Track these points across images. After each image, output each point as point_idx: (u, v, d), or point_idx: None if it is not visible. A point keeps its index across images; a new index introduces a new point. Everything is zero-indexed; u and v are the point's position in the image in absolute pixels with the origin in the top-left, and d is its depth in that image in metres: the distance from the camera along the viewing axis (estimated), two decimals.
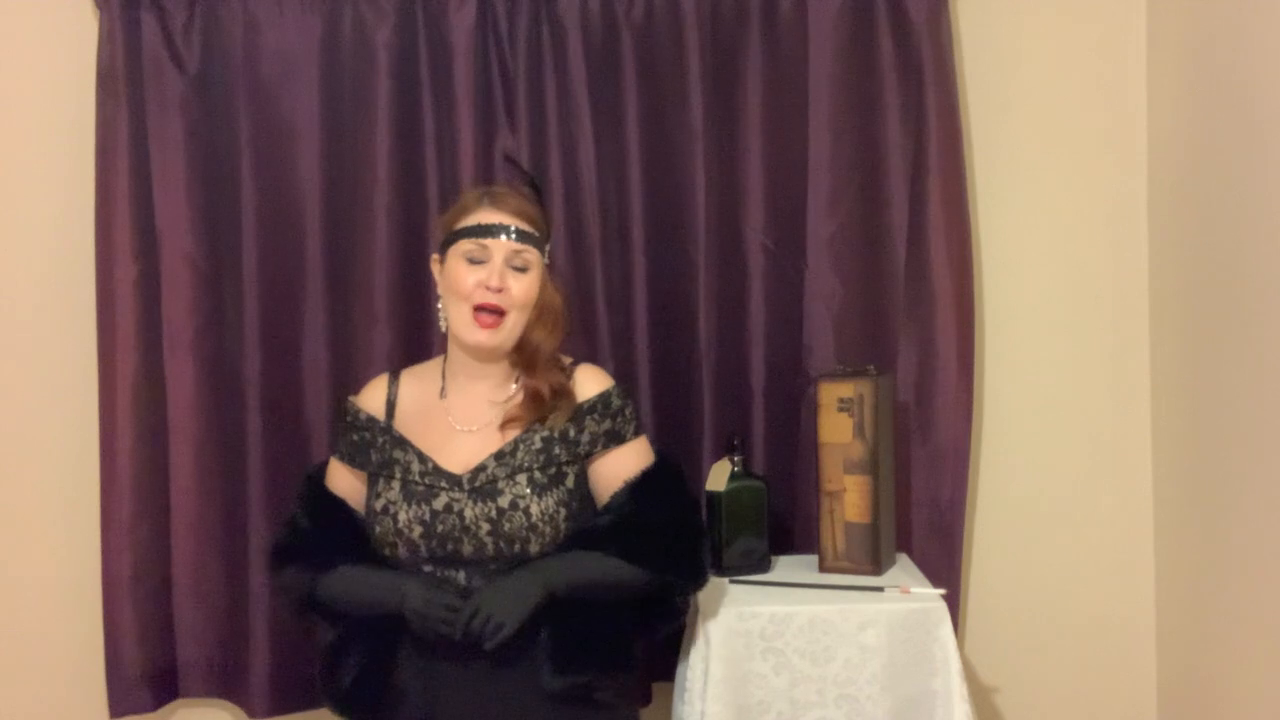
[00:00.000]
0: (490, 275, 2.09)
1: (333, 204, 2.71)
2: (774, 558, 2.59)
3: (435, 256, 2.20)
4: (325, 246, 2.71)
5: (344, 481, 2.22)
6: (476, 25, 2.69)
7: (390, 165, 2.69)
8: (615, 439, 2.16)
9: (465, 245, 2.12)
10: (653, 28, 2.71)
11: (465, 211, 2.16)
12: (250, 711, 2.73)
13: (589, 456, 2.15)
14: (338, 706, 2.14)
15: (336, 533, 2.17)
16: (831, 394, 2.51)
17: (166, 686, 2.75)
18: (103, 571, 2.71)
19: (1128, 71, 2.80)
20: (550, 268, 2.19)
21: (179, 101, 2.69)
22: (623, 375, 2.70)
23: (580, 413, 2.15)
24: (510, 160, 2.50)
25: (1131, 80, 2.80)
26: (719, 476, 2.55)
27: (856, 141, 2.72)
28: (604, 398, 2.17)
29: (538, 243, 2.15)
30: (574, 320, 2.52)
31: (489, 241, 2.11)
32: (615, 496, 2.14)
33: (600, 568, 2.07)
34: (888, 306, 2.74)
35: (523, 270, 2.12)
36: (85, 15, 2.72)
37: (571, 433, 2.13)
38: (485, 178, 2.69)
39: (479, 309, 2.10)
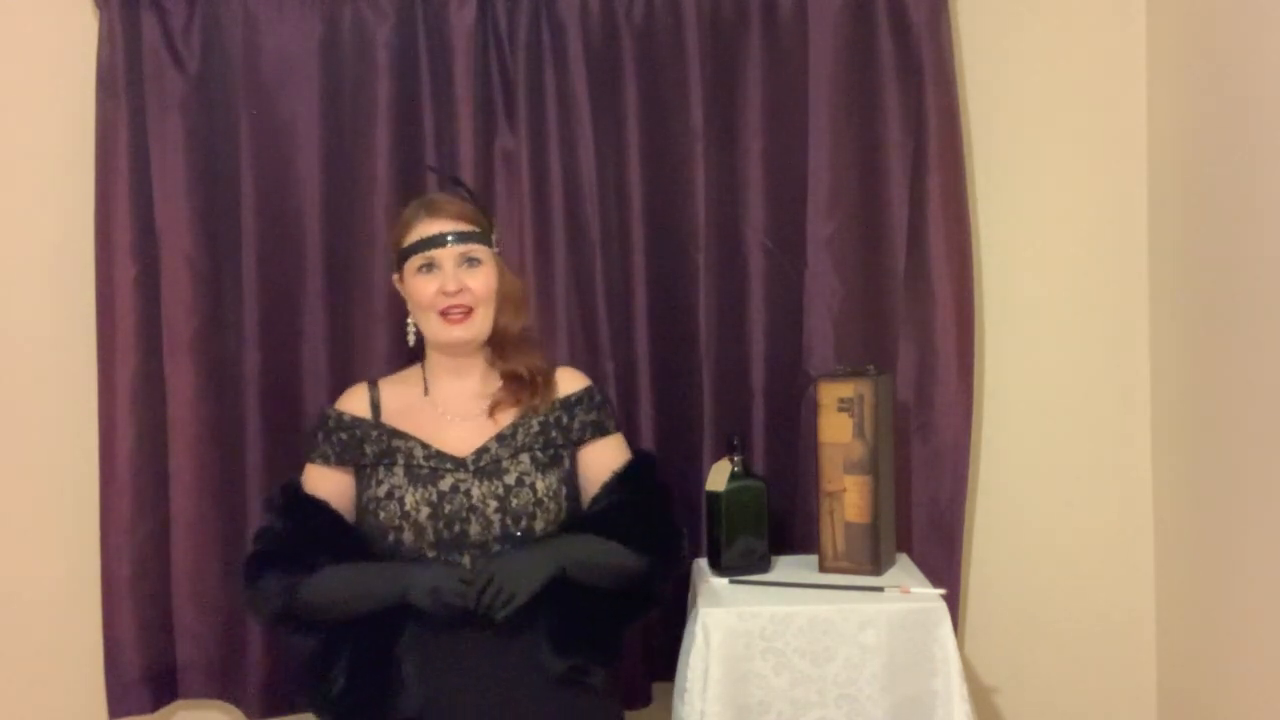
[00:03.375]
0: (446, 280, 2.20)
1: (332, 204, 2.71)
2: (774, 558, 2.59)
3: (395, 276, 2.30)
4: (325, 246, 2.71)
5: (327, 484, 2.25)
6: (476, 25, 2.69)
7: (390, 165, 2.69)
8: (600, 430, 2.29)
9: (416, 260, 2.23)
10: (653, 28, 2.71)
11: (408, 228, 2.27)
12: (249, 713, 2.73)
13: (579, 443, 2.27)
14: (332, 713, 2.15)
15: (319, 533, 2.20)
16: (831, 394, 2.51)
17: (166, 687, 2.75)
18: (102, 572, 2.71)
19: (1128, 71, 2.80)
20: (502, 255, 2.30)
21: (179, 101, 2.69)
22: (623, 375, 2.71)
23: (569, 404, 2.28)
24: (432, 169, 2.62)
25: (1131, 80, 2.80)
26: (719, 476, 2.55)
27: (856, 142, 2.72)
28: (588, 392, 2.31)
29: (482, 238, 2.25)
30: (536, 303, 2.60)
31: (435, 252, 2.22)
32: (605, 486, 2.25)
33: (602, 549, 2.17)
34: (888, 306, 2.73)
35: (476, 263, 2.22)
36: (85, 15, 2.72)
37: (564, 419, 2.26)
38: (485, 178, 2.70)
39: (445, 311, 2.20)
